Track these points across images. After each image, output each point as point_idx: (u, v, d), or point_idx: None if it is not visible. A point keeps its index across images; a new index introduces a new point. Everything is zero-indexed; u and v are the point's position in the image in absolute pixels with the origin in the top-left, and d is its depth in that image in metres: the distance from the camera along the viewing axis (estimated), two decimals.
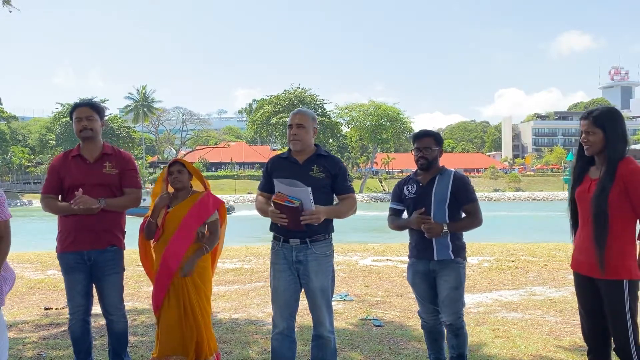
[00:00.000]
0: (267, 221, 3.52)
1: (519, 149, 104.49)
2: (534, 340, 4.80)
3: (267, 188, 3.57)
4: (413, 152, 3.76)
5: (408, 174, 3.95)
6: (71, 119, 3.82)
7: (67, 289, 3.76)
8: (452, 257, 3.59)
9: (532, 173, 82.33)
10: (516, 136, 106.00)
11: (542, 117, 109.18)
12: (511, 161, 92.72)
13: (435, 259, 3.59)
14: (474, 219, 3.65)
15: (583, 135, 3.10)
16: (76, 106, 3.81)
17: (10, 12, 8.78)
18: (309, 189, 3.23)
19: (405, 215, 3.82)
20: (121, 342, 3.86)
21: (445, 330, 3.73)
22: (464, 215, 3.71)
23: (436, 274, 3.63)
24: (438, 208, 3.59)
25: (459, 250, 3.65)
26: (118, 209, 3.77)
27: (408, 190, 3.75)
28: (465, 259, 3.71)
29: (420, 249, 3.66)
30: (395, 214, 3.87)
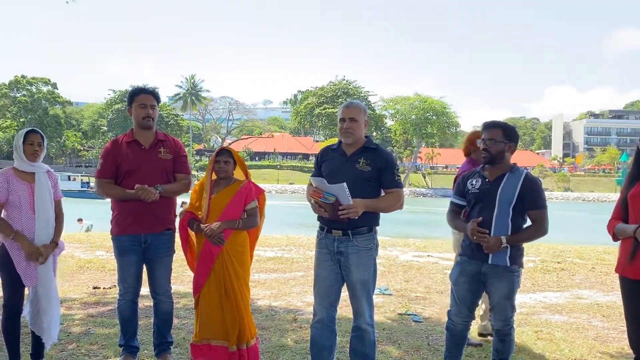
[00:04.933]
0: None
1: (569, 148, 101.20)
2: (579, 344, 4.66)
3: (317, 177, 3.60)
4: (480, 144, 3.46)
5: (474, 168, 3.64)
6: (130, 102, 3.88)
7: (120, 271, 3.88)
8: (508, 264, 3.30)
9: (582, 173, 79.64)
10: (567, 134, 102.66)
11: (595, 116, 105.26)
12: (561, 160, 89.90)
13: (490, 262, 3.31)
14: (539, 229, 3.32)
15: None
16: (140, 92, 3.87)
17: (67, 2, 9.07)
18: (344, 184, 3.22)
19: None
20: (166, 322, 3.99)
21: (493, 333, 3.57)
22: (528, 221, 3.40)
23: (487, 278, 3.36)
24: (502, 209, 3.29)
25: (517, 256, 3.35)
26: (172, 195, 3.89)
27: (472, 184, 3.45)
28: (521, 265, 3.40)
29: (475, 249, 3.37)
30: (456, 209, 3.59)
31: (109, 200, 3.93)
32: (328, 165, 3.52)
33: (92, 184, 48.84)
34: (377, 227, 3.53)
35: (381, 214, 3.52)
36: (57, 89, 71.96)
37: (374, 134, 71.25)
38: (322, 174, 3.53)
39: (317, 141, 75.76)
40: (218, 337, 3.72)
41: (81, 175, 51.63)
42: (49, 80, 71.33)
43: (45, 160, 3.79)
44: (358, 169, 3.41)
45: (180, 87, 79.26)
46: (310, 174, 3.68)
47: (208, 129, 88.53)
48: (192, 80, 78.74)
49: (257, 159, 76.62)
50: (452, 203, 3.63)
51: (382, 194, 3.50)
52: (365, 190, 3.35)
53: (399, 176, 3.51)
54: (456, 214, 3.60)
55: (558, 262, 9.05)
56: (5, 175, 3.55)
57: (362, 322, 3.48)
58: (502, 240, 3.25)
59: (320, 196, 3.26)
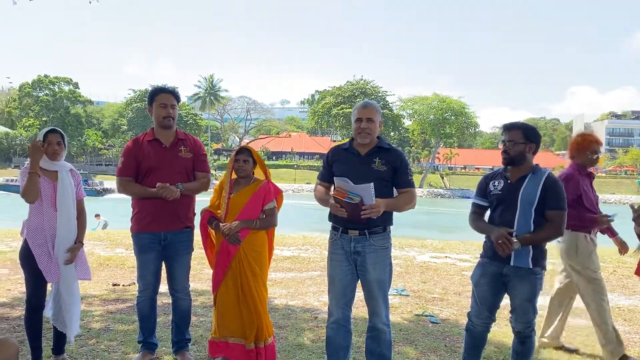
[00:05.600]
0: (325, 211, 3.54)
1: None
2: (599, 348, 4.58)
3: (326, 178, 3.60)
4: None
5: (497, 169, 3.60)
6: (150, 102, 3.91)
7: (139, 268, 3.92)
8: (530, 266, 3.27)
9: (603, 174, 78.36)
10: None
11: (617, 116, 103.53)
12: None
13: (512, 264, 3.28)
14: (556, 230, 3.26)
15: None
16: (160, 91, 3.90)
17: (90, 2, 9.20)
18: (371, 184, 3.22)
19: (488, 213, 3.51)
20: (184, 319, 4.02)
21: (513, 335, 3.52)
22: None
23: (508, 279, 3.33)
24: (524, 211, 3.26)
25: (540, 258, 3.31)
26: (192, 193, 3.92)
27: (494, 185, 3.43)
28: (544, 268, 3.36)
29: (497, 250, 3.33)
30: (478, 211, 3.54)
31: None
32: (341, 165, 3.49)
33: (90, 182, 49.50)
34: (391, 227, 3.53)
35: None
36: (79, 89, 73.06)
37: (392, 134, 71.02)
38: (333, 174, 3.52)
39: (335, 141, 75.68)
40: (235, 335, 3.75)
41: (80, 173, 52.35)
42: (71, 79, 72.49)
43: (67, 159, 3.85)
44: (374, 169, 3.41)
45: (199, 86, 79.97)
46: (318, 174, 3.67)
47: (226, 128, 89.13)
48: (211, 80, 79.34)
49: (274, 158, 76.85)
50: (474, 204, 3.59)
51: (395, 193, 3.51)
52: (381, 190, 3.34)
53: (412, 176, 3.54)
54: (478, 216, 3.56)
55: None
56: (29, 171, 3.61)
57: (378, 322, 3.47)
58: (512, 240, 3.21)
59: (344, 196, 3.22)
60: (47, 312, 3.72)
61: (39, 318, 3.67)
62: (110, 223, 16.74)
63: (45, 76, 70.92)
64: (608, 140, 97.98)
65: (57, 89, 71.19)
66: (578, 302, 6.32)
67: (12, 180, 47.96)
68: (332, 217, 3.52)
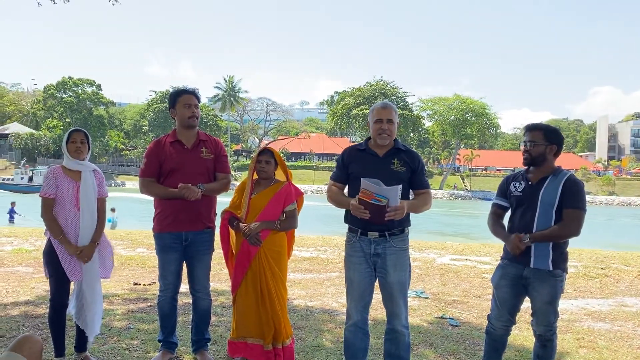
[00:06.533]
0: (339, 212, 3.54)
1: (615, 151, 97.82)
2: (623, 353, 4.51)
3: (341, 179, 3.57)
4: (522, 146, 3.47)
5: (518, 170, 3.59)
6: (172, 104, 3.96)
7: (161, 268, 3.97)
8: (551, 269, 3.24)
9: (628, 177, 76.85)
10: (612, 137, 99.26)
11: None
12: (605, 163, 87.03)
13: (532, 266, 3.27)
14: (567, 227, 3.20)
15: None
16: (182, 92, 3.95)
17: (113, 4, 9.33)
18: (399, 187, 3.22)
19: (508, 214, 3.51)
20: (204, 319, 4.06)
21: (534, 338, 3.48)
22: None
23: (529, 282, 3.31)
24: (544, 212, 3.25)
25: (560, 260, 3.27)
26: (213, 194, 3.96)
27: (515, 187, 3.42)
28: (565, 270, 3.31)
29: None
30: (498, 211, 3.53)
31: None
32: (359, 166, 3.47)
33: None
34: (409, 228, 3.52)
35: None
36: (102, 90, 74.09)
37: (411, 134, 70.64)
38: (348, 175, 3.51)
39: (354, 142, 75.55)
40: (254, 336, 3.76)
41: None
42: (94, 81, 73.55)
43: (89, 160, 3.91)
44: (394, 170, 3.40)
45: (219, 88, 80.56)
46: (331, 175, 3.65)
47: (246, 129, 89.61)
48: (231, 82, 79.88)
49: (293, 159, 77.02)
50: (494, 205, 3.58)
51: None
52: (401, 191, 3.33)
53: (427, 177, 3.58)
54: (498, 217, 3.54)
55: (602, 268, 8.77)
56: (53, 172, 3.69)
57: (397, 324, 3.46)
58: (520, 237, 3.24)
59: (371, 198, 3.20)
60: (70, 310, 3.78)
61: (62, 316, 3.74)
62: (119, 223, 16.98)
63: (69, 78, 72.08)
64: (633, 142, 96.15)
65: (80, 91, 72.26)
66: (601, 306, 6.22)
67: (8, 180, 48.64)
68: (349, 218, 3.51)
